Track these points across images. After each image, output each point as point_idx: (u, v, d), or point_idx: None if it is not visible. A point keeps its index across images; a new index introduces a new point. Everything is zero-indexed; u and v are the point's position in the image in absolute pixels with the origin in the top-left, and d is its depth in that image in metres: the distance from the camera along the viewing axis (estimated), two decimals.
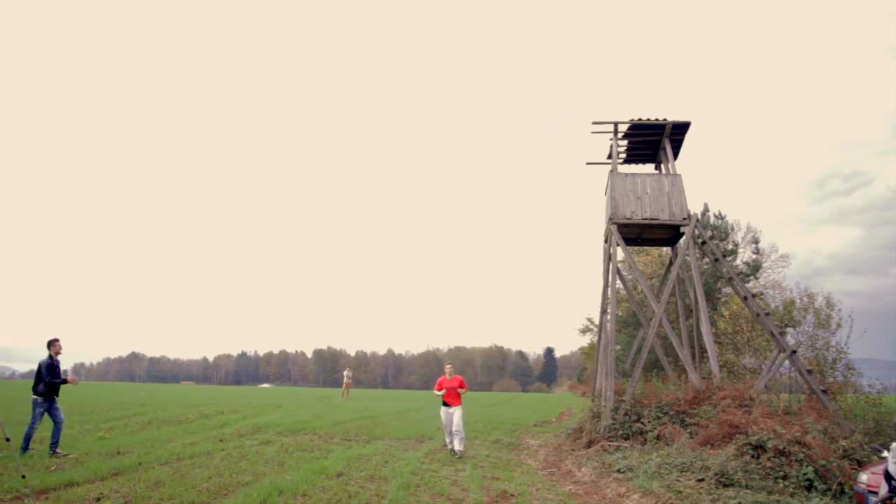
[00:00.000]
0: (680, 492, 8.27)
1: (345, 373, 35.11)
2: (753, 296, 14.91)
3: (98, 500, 7.84)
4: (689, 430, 11.51)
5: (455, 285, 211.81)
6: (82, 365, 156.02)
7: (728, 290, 24.35)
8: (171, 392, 41.48)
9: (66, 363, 11.34)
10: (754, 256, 27.23)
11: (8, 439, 8.67)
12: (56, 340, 11.08)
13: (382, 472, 10.54)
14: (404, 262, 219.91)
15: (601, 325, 17.93)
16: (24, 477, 8.44)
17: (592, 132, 16.29)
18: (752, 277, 25.78)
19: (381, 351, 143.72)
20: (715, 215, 27.30)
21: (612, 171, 15.84)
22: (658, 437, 11.90)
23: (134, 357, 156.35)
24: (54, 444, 10.83)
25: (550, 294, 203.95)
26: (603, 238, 17.34)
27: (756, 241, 28.51)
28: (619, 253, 16.30)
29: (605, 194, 16.55)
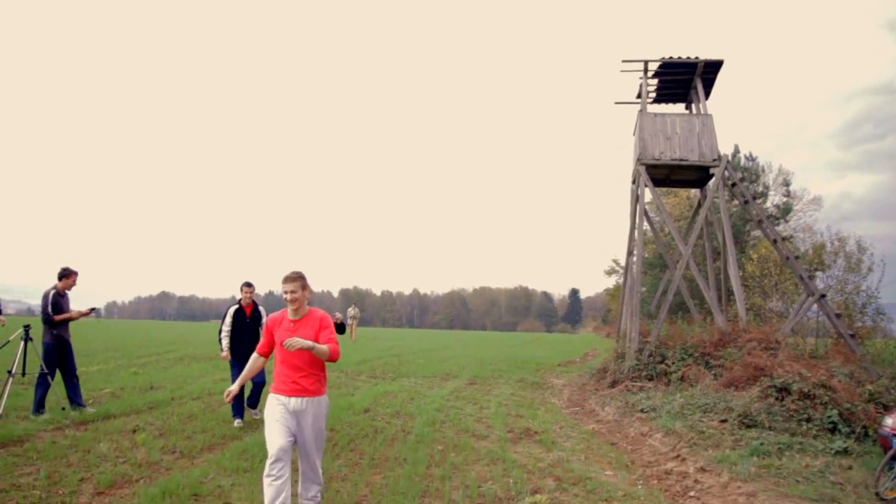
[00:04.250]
0: (703, 432, 8.35)
1: (349, 311, 30.96)
2: (783, 239, 14.70)
3: (134, 431, 8.11)
4: (713, 372, 11.53)
5: (480, 225, 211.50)
6: (114, 303, 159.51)
7: (757, 233, 24.08)
8: (200, 330, 42.38)
9: (99, 302, 10.98)
10: (785, 199, 26.82)
11: (47, 373, 8.95)
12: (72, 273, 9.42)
13: (408, 408, 10.74)
14: (430, 202, 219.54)
15: (627, 267, 17.86)
16: (63, 409, 8.74)
17: (622, 70, 15.91)
18: (781, 220, 25.44)
19: (407, 291, 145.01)
20: (746, 157, 26.81)
21: (641, 110, 15.52)
22: (682, 379, 11.95)
23: (164, 296, 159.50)
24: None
25: (576, 235, 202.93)
26: (631, 179, 17.12)
27: (787, 184, 28.02)
28: (647, 194, 16.12)
29: (634, 134, 16.27)
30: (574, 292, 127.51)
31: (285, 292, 4.84)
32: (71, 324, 9.43)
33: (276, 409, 4.76)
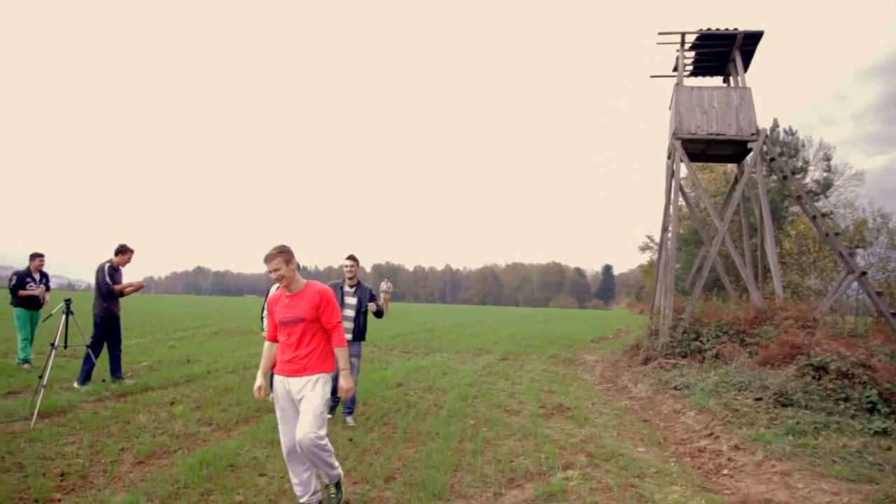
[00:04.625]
0: (737, 410, 8.27)
1: (381, 285, 30.30)
2: (823, 215, 14.41)
3: (172, 403, 8.30)
4: (748, 350, 11.40)
5: (513, 201, 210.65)
6: (151, 278, 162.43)
7: (795, 209, 23.63)
8: (235, 305, 43.03)
9: (136, 277, 11.16)
10: (825, 174, 26.22)
11: (87, 345, 9.17)
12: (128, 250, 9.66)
13: (440, 383, 10.82)
14: (463, 177, 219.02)
15: (662, 243, 17.66)
16: (104, 381, 8.96)
17: (658, 43, 15.58)
18: (821, 196, 24.90)
19: (439, 266, 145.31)
20: (785, 131, 26.20)
21: (677, 84, 15.23)
22: (716, 356, 11.84)
23: (199, 271, 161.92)
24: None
25: (610, 211, 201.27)
26: (666, 154, 16.86)
27: (828, 159, 27.38)
28: (683, 169, 15.85)
29: (670, 108, 15.98)
30: (607, 268, 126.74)
31: (270, 272, 4.58)
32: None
33: (278, 396, 4.62)
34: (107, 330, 9.41)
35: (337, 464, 4.74)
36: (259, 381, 4.83)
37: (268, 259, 4.56)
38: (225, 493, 5.01)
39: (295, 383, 4.52)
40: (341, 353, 4.65)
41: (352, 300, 7.80)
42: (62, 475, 5.33)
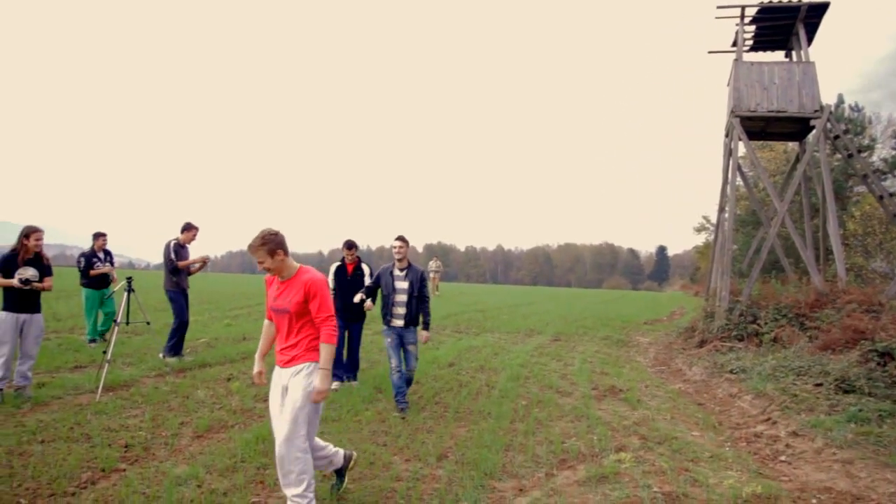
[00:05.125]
0: (796, 395, 8.08)
1: (430, 265, 29.67)
2: (891, 195, 13.87)
3: (228, 379, 8.51)
4: (808, 334, 11.11)
5: (566, 181, 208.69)
6: (207, 257, 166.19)
7: (861, 188, 22.77)
8: None
9: (192, 256, 11.29)
10: (894, 152, 25.17)
11: (148, 323, 9.45)
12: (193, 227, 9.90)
13: (492, 363, 10.84)
14: (516, 158, 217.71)
15: (718, 224, 17.26)
16: (161, 356, 9.25)
17: (716, 17, 15.12)
18: (889, 175, 23.92)
19: (491, 246, 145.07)
20: (850, 107, 25.23)
21: (736, 59, 14.77)
22: (774, 340, 11.56)
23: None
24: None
25: (664, 191, 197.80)
26: (724, 132, 16.43)
27: None
28: (741, 148, 15.42)
29: (728, 85, 15.53)
30: (661, 249, 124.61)
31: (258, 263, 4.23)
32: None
33: (272, 390, 4.37)
34: (185, 302, 9.69)
35: (332, 451, 4.55)
36: (257, 366, 4.62)
37: (250, 250, 4.21)
38: None
39: (285, 374, 4.26)
40: (325, 350, 4.19)
41: (402, 284, 7.33)
42: (126, 446, 5.53)
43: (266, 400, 7.45)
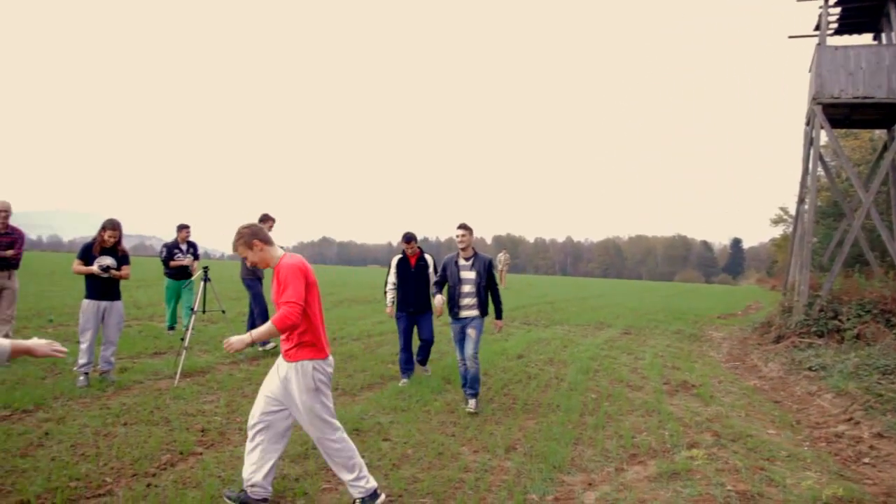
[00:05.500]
0: (881, 395, 7.73)
1: (499, 256, 29.29)
2: None
3: None
4: (895, 332, 10.63)
5: (638, 171, 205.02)
6: (280, 248, 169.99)
7: None
8: (358, 274, 44.42)
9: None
10: None
11: (223, 311, 9.76)
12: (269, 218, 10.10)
13: (561, 355, 10.77)
14: (586, 148, 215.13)
15: (797, 216, 16.65)
16: None
17: (798, 0, 14.56)
18: None
19: (560, 238, 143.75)
20: None
21: (819, 44, 14.15)
22: (857, 337, 11.11)
23: (325, 241, 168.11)
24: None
25: (739, 182, 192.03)
26: (804, 120, 15.81)
27: None
28: (823, 137, 14.80)
29: (810, 71, 14.91)
30: (736, 242, 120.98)
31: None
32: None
33: (271, 371, 4.33)
34: (261, 289, 9.85)
35: (359, 471, 4.24)
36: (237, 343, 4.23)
37: (234, 250, 4.21)
38: None
39: (283, 368, 4.17)
40: (266, 326, 4.03)
41: (469, 274, 7.04)
42: (203, 431, 5.74)
43: (335, 389, 7.65)
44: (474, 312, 7.00)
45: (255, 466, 4.14)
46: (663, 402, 7.65)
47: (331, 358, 4.29)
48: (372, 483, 4.25)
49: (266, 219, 9.89)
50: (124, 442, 5.28)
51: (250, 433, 4.22)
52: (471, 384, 6.96)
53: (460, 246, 7.11)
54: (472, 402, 6.92)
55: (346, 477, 4.19)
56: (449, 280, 7.13)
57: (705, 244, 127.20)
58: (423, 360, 8.74)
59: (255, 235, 4.13)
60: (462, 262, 7.10)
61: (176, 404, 6.55)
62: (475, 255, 7.14)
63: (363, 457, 5.18)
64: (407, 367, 8.26)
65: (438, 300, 7.21)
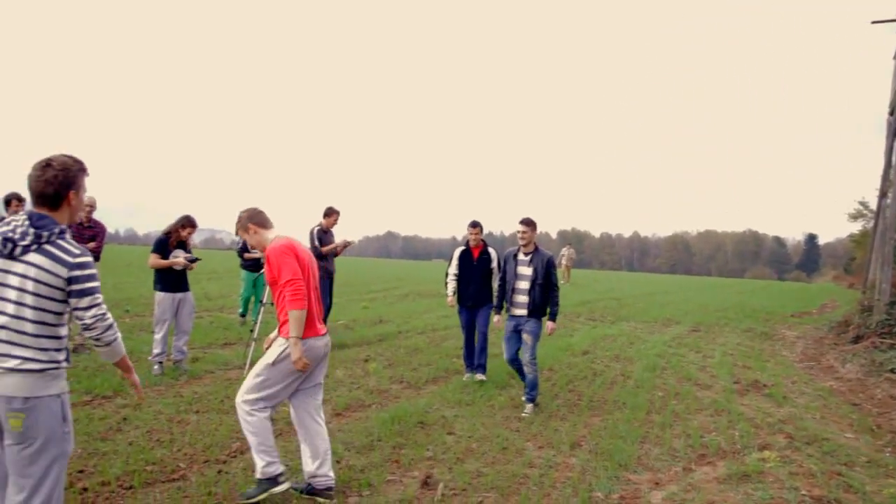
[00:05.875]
0: None
1: (563, 251, 28.80)
2: None
3: (366, 360, 8.83)
4: None
5: (707, 164, 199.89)
6: (349, 241, 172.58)
7: None
8: (423, 268, 44.67)
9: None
10: None
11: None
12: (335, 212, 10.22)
13: (627, 352, 10.62)
14: (653, 140, 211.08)
15: (879, 210, 15.95)
16: None
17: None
18: None
19: (627, 233, 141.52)
20: None
21: None
22: None
23: (390, 235, 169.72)
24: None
25: (813, 174, 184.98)
26: (888, 110, 15.13)
27: None
28: None
29: (894, 58, 14.27)
30: (811, 238, 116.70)
31: None
32: None
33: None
34: (330, 286, 9.88)
35: (265, 445, 4.17)
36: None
37: (235, 232, 4.45)
38: (415, 448, 5.27)
39: (281, 343, 4.18)
40: (292, 317, 4.02)
41: (526, 270, 6.75)
42: (272, 420, 5.86)
43: (401, 381, 7.72)
44: (526, 311, 6.72)
45: (308, 458, 4.30)
46: (733, 402, 7.45)
47: (326, 336, 4.33)
48: (266, 465, 4.15)
49: (331, 212, 9.97)
50: (196, 429, 5.45)
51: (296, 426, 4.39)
52: (528, 389, 6.75)
53: (521, 242, 6.83)
54: (528, 406, 6.69)
55: (254, 455, 4.17)
56: (506, 275, 6.93)
57: (778, 240, 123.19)
58: (480, 366, 8.20)
59: (251, 219, 4.28)
60: (521, 257, 6.83)
61: None
62: (536, 251, 6.85)
63: (427, 450, 5.24)
64: (470, 361, 8.21)
65: (497, 320, 7.22)
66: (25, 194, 7.55)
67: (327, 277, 9.99)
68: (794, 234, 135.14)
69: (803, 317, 19.84)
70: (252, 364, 7.81)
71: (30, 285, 2.62)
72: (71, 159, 2.78)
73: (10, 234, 2.61)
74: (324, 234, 9.82)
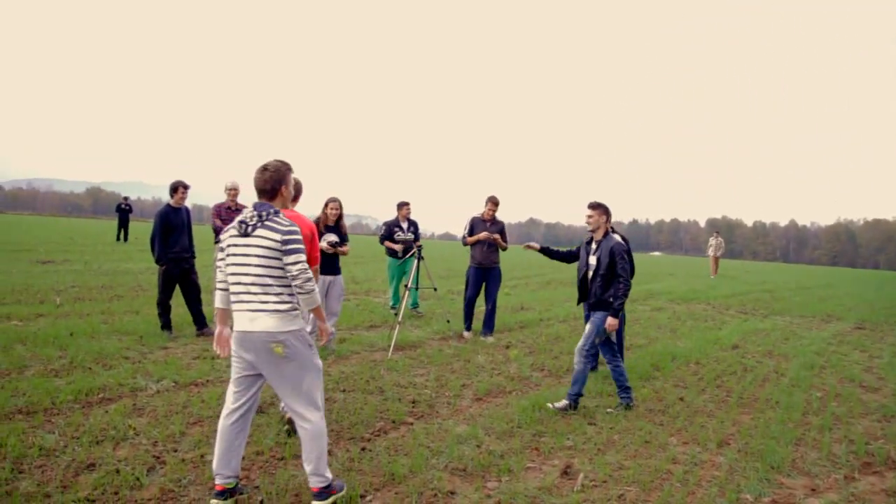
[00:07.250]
0: None
1: (710, 240, 27.06)
2: None
3: (507, 347, 8.88)
4: None
5: (874, 144, 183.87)
6: (490, 236, 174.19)
7: None
8: None
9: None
10: None
11: (435, 289, 10.16)
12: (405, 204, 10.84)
13: (782, 348, 10.01)
14: (812, 124, 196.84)
15: None
16: (448, 321, 9.88)
17: None
18: None
19: (783, 221, 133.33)
20: None
21: None
22: None
23: (532, 222, 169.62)
24: None
25: None
26: None
27: None
28: None
29: None
30: None
31: None
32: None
33: None
34: (479, 281, 9.57)
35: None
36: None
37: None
38: (555, 436, 5.23)
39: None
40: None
41: (591, 259, 6.30)
42: (413, 402, 6.02)
43: (542, 369, 7.68)
44: (591, 304, 6.29)
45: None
46: None
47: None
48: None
49: (402, 205, 10.65)
50: (343, 408, 5.68)
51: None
52: (572, 382, 6.14)
53: (589, 228, 6.29)
54: (560, 402, 6.10)
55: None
56: (578, 263, 6.52)
57: None
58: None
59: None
60: (593, 245, 6.33)
61: (389, 375, 6.94)
62: (604, 238, 6.27)
63: (567, 439, 5.18)
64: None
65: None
66: (188, 182, 8.13)
67: (483, 271, 9.65)
68: None
69: None
70: (396, 347, 8.09)
71: (262, 251, 3.56)
72: (280, 163, 3.78)
73: (245, 220, 3.62)
74: (476, 224, 9.55)
